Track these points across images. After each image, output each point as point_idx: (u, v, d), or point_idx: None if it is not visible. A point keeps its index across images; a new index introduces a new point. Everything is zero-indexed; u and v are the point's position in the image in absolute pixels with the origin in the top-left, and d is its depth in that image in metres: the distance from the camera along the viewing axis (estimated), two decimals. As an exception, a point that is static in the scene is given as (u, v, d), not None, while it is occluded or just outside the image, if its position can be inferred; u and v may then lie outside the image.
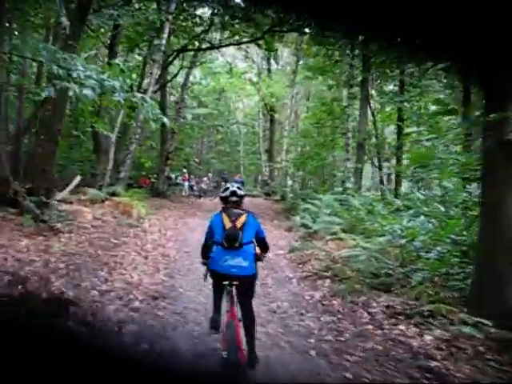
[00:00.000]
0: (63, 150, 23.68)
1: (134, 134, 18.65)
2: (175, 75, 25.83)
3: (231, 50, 33.89)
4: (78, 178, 15.06)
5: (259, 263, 5.10)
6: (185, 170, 32.91)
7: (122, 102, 9.74)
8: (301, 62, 30.58)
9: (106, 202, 14.70)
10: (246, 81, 35.89)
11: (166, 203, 21.48)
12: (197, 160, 39.40)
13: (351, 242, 11.15)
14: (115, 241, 11.12)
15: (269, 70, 35.37)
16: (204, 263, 5.22)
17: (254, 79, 36.31)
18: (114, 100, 9.77)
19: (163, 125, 25.93)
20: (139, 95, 10.46)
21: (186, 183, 32.11)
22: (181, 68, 25.17)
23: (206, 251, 5.16)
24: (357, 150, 21.31)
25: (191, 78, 31.84)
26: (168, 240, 12.58)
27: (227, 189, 5.13)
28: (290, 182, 32.43)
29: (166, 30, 18.97)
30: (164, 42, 19.08)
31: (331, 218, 13.48)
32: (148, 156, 29.08)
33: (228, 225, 4.79)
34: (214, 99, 40.40)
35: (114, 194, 16.10)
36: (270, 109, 35.17)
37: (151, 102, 10.52)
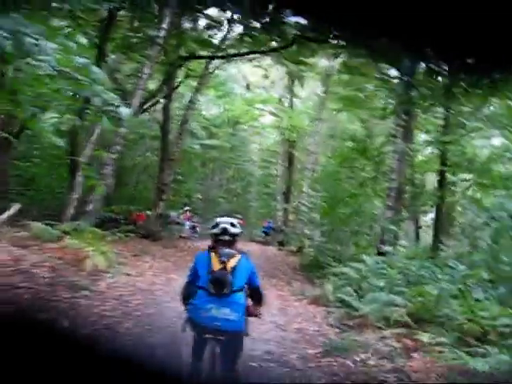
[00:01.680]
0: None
1: (110, 153, 14.11)
2: (178, 85, 21.13)
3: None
4: (15, 207, 10.55)
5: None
6: (187, 208, 28.35)
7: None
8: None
9: (50, 245, 10.00)
10: (264, 110, 31.51)
11: (154, 248, 16.75)
12: (200, 196, 34.65)
13: (436, 350, 6.44)
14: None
15: (291, 101, 30.93)
16: (186, 307, 4.30)
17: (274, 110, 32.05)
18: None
19: (163, 148, 22.00)
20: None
21: (187, 223, 27.53)
22: (187, 77, 20.59)
23: (187, 296, 4.29)
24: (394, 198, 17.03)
25: (201, 98, 27.80)
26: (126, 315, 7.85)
27: (217, 225, 4.29)
28: (310, 232, 27.68)
29: (167, 21, 14.61)
30: (162, 34, 14.71)
31: (388, 297, 8.67)
32: (145, 187, 24.67)
33: (216, 266, 4.04)
34: (227, 133, 36.01)
35: (69, 233, 11.46)
36: (290, 145, 30.73)
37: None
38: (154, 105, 19.15)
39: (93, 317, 7.19)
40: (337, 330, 8.53)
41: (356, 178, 24.19)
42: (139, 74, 15.13)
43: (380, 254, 14.08)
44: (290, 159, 31.59)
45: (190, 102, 19.77)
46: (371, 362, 6.69)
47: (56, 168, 20.22)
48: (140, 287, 10.03)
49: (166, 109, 22.18)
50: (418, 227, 22.42)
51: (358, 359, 6.82)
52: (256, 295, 4.43)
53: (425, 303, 8.45)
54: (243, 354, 4.41)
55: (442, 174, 22.01)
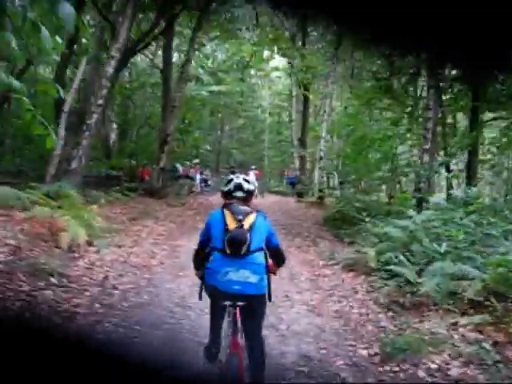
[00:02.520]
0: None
1: (95, 99, 11.88)
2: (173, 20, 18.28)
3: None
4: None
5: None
6: (197, 160, 26.30)
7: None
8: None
9: (18, 215, 7.91)
10: (275, 50, 28.73)
11: (157, 208, 14.69)
12: (209, 148, 32.35)
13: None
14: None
15: (303, 40, 28.06)
16: (198, 275, 3.99)
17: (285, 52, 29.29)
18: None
19: (165, 96, 19.66)
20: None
21: (198, 176, 25.57)
22: (181, 10, 17.72)
23: (199, 259, 3.96)
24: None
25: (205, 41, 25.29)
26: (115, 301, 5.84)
27: (231, 181, 3.95)
28: (334, 181, 25.49)
29: None
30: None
31: (456, 266, 6.52)
32: (147, 139, 22.53)
33: (232, 225, 3.60)
34: (235, 78, 33.36)
35: (51, 196, 9.40)
36: (304, 88, 28.08)
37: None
38: (146, 46, 16.70)
39: (57, 316, 5.17)
40: (390, 314, 6.47)
41: (382, 118, 22.01)
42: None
43: (419, 204, 11.98)
44: (305, 103, 28.96)
45: (191, 40, 17.27)
46: (453, 373, 4.65)
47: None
48: (134, 263, 7.98)
49: (165, 50, 19.79)
50: (449, 173, 20.22)
51: (434, 366, 4.78)
52: (276, 256, 3.97)
53: (503, 274, 6.32)
54: (270, 363, 3.91)
55: (474, 111, 19.74)
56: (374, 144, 14.12)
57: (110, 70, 11.33)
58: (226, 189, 3.95)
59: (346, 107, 24.24)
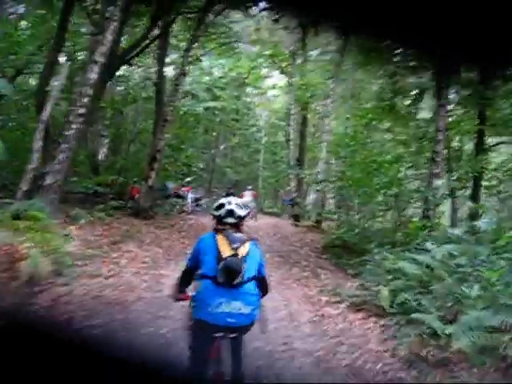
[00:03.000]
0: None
1: (73, 108, 10.72)
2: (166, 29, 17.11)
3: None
4: None
5: None
6: (189, 179, 25.15)
7: None
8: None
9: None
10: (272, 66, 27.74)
11: (143, 229, 13.47)
12: (202, 166, 31.12)
13: None
14: None
15: (304, 57, 27.03)
16: (178, 299, 3.85)
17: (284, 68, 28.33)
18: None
19: (158, 110, 18.45)
20: None
21: (190, 195, 24.39)
22: (178, 14, 16.71)
23: (184, 283, 3.83)
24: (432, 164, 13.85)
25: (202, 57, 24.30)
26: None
27: (222, 206, 3.82)
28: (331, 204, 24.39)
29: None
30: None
31: (496, 317, 5.37)
32: (137, 156, 21.41)
33: (226, 252, 3.49)
34: (231, 95, 32.28)
35: (19, 216, 8.22)
36: (303, 107, 27.10)
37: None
38: (137, 54, 15.58)
39: None
40: (413, 373, 5.32)
41: (384, 140, 21.06)
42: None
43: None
44: (303, 122, 27.94)
45: (186, 50, 16.18)
46: None
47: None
48: (108, 299, 6.79)
49: (159, 63, 18.74)
50: (454, 198, 19.19)
51: None
52: (263, 285, 3.79)
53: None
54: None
55: (480, 135, 18.84)
56: (381, 167, 13.02)
57: (92, 75, 10.20)
58: (216, 214, 3.84)
59: (346, 127, 23.17)
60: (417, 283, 7.30)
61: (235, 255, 3.49)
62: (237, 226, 3.79)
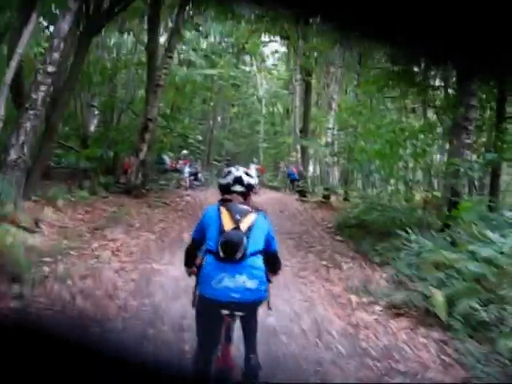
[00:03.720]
0: None
1: (41, 66, 8.83)
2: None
3: None
4: None
5: None
6: (185, 151, 23.42)
7: None
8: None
9: None
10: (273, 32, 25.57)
11: (133, 210, 11.75)
12: (199, 137, 29.20)
13: None
14: None
15: (307, 20, 24.93)
16: (190, 273, 3.67)
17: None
18: None
19: (149, 75, 16.49)
20: None
21: (187, 169, 22.75)
22: None
23: (191, 257, 3.66)
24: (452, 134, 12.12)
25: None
26: None
27: (229, 173, 3.67)
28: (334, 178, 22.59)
29: None
30: None
31: None
32: (128, 127, 19.59)
33: (228, 225, 3.31)
34: (230, 63, 30.22)
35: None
36: (307, 73, 25.18)
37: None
38: (124, 7, 13.49)
39: None
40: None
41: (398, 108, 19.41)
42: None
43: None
44: (307, 91, 26.05)
45: (180, 7, 14.24)
46: None
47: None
48: (79, 311, 5.12)
49: (150, 24, 16.79)
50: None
51: None
52: (272, 262, 3.62)
53: None
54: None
55: (499, 105, 16.94)
56: (413, 136, 11.21)
57: (64, 25, 8.33)
58: (223, 182, 3.68)
59: (356, 95, 21.35)
60: (479, 285, 5.66)
61: (236, 228, 3.30)
62: (244, 197, 3.60)
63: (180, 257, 7.66)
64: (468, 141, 11.57)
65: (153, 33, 16.13)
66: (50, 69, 8.22)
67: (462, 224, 8.39)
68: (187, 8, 14.85)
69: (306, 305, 6.59)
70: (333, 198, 19.49)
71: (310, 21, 24.29)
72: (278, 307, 6.21)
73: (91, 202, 11.12)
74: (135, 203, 12.63)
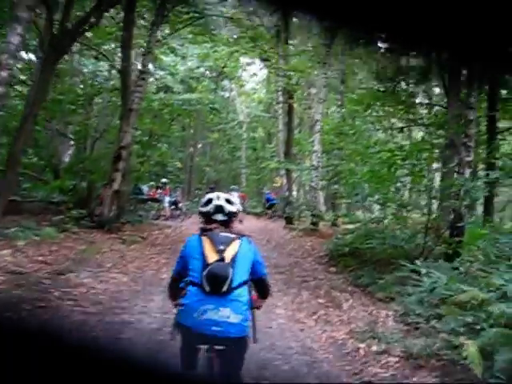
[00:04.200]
0: None
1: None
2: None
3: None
4: None
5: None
6: (165, 180, 22.35)
7: None
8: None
9: None
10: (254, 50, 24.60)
11: (104, 247, 10.57)
12: (178, 164, 28.00)
13: None
14: None
15: (286, 39, 24.06)
16: (176, 306, 3.40)
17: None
18: None
19: (124, 101, 15.40)
20: None
21: (167, 199, 21.73)
22: None
23: (175, 289, 3.45)
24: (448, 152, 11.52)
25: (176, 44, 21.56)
26: None
27: (210, 201, 3.46)
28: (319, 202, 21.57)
29: None
30: None
31: None
32: (102, 155, 18.42)
33: (211, 257, 3.15)
34: (209, 88, 29.23)
35: None
36: (289, 96, 24.32)
37: None
38: (90, 27, 12.38)
39: None
40: None
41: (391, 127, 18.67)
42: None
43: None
44: (289, 113, 25.13)
45: (152, 25, 13.24)
46: None
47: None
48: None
49: (124, 45, 15.77)
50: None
51: None
52: (261, 287, 3.51)
53: None
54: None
55: (490, 119, 16.14)
56: (413, 155, 10.23)
57: (13, 39, 7.22)
58: (203, 210, 3.49)
59: (342, 115, 20.57)
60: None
61: (221, 260, 3.13)
62: (226, 225, 3.40)
63: (157, 302, 6.54)
64: (468, 158, 10.68)
65: (125, 54, 15.11)
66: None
67: (472, 251, 7.44)
68: (160, 27, 13.87)
69: (306, 359, 5.51)
70: (321, 224, 18.53)
71: (289, 42, 23.78)
72: (273, 362, 5.20)
73: (58, 241, 9.95)
74: (108, 239, 11.47)
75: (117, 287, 7.65)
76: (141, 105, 13.69)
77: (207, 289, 3.08)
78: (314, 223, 18.08)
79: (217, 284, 3.08)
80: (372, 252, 10.38)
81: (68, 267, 8.00)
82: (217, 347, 3.07)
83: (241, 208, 20.58)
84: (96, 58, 19.53)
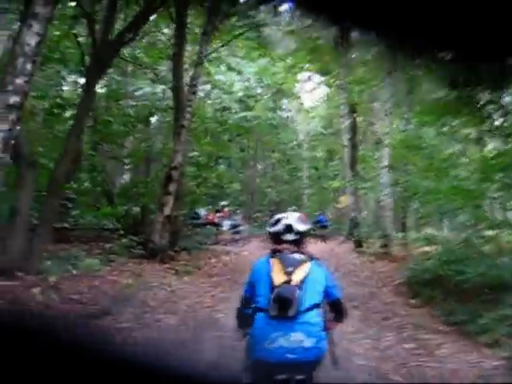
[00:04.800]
0: None
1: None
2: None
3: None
4: None
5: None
6: (224, 203, 21.35)
7: None
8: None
9: None
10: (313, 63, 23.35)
11: (154, 278, 9.44)
12: (237, 186, 26.82)
13: None
14: None
15: (346, 53, 22.77)
16: (245, 335, 3.19)
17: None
18: None
19: (177, 118, 14.25)
20: None
21: (227, 222, 20.70)
22: None
23: (244, 317, 3.17)
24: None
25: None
26: None
27: (279, 220, 3.27)
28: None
29: None
30: None
31: None
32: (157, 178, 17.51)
33: (279, 279, 2.91)
34: (267, 106, 28.09)
35: None
36: (352, 110, 22.88)
37: None
38: (133, 38, 11.38)
39: None
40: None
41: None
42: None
43: None
44: (353, 128, 23.63)
45: (204, 34, 12.24)
46: None
47: None
48: None
49: (175, 61, 14.83)
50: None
51: None
52: (336, 311, 3.21)
53: None
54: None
55: None
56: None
57: (30, 40, 6.12)
58: (272, 230, 3.29)
59: (413, 128, 18.95)
60: None
61: (288, 282, 2.90)
62: (297, 245, 3.17)
63: (209, 353, 5.23)
64: None
65: (177, 71, 14.15)
66: (13, 100, 5.98)
67: None
68: (210, 39, 12.89)
69: None
70: (396, 247, 16.93)
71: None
72: None
73: (102, 273, 8.89)
74: (158, 270, 10.34)
75: (161, 332, 6.40)
76: (191, 121, 12.58)
77: (273, 313, 2.84)
78: (384, 245, 16.50)
79: (283, 307, 2.83)
80: (460, 281, 8.74)
81: (106, 308, 6.82)
82: (298, 376, 2.80)
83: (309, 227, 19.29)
84: (153, 80, 18.80)
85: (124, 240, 12.64)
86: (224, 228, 20.76)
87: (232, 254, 15.52)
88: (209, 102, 21.72)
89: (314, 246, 18.87)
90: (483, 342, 6.47)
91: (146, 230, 14.09)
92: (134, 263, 10.58)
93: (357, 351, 6.18)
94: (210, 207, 20.68)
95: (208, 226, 20.36)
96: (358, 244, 17.92)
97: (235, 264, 13.30)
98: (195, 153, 18.07)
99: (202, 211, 19.55)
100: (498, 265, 8.11)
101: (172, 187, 11.58)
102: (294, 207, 22.06)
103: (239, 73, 21.03)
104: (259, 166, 38.08)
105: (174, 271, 10.50)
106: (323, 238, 22.07)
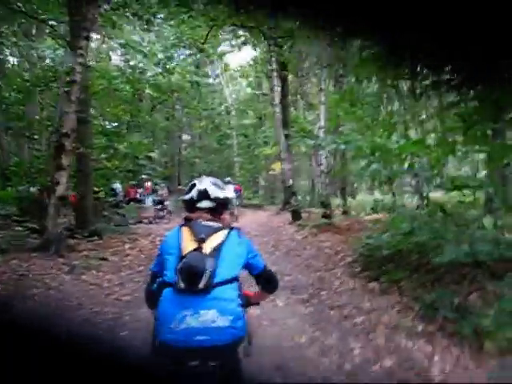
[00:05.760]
0: None
1: None
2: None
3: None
4: None
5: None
6: (144, 176, 19.06)
7: None
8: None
9: None
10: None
11: (47, 277, 7.17)
12: (154, 154, 23.87)
13: None
14: None
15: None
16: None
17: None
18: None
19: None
20: None
21: (150, 198, 18.50)
22: None
23: (154, 295, 2.59)
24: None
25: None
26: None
27: (193, 186, 2.85)
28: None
29: None
30: None
31: None
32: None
33: (188, 247, 2.48)
34: (189, 71, 25.54)
35: None
36: (282, 67, 20.80)
37: None
38: None
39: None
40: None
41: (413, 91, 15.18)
42: None
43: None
44: (283, 86, 21.48)
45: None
46: None
47: None
48: None
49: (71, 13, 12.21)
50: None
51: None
52: (266, 280, 2.83)
53: None
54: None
55: None
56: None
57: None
58: (186, 197, 2.86)
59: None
60: None
61: (197, 249, 2.46)
62: (214, 214, 2.74)
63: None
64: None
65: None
66: None
67: None
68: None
69: None
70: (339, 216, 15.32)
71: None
72: None
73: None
74: (49, 267, 8.01)
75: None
76: (84, 75, 10.11)
77: (181, 286, 2.38)
78: (326, 215, 14.73)
79: (191, 278, 2.38)
80: (434, 255, 6.86)
81: None
82: (210, 363, 2.33)
83: (236, 201, 17.34)
84: (53, 38, 16.16)
85: (18, 228, 10.39)
86: (147, 204, 18.51)
87: (153, 234, 13.32)
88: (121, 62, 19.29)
89: (246, 218, 17.04)
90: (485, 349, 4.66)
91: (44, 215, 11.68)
92: (20, 259, 8.22)
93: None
94: (129, 182, 18.28)
95: (131, 204, 18.21)
96: (297, 216, 16.02)
97: (154, 248, 11.13)
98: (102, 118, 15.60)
99: (118, 186, 17.10)
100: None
101: (65, 160, 9.17)
102: (229, 178, 19.90)
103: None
104: (186, 136, 35.92)
105: (69, 266, 8.19)
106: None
